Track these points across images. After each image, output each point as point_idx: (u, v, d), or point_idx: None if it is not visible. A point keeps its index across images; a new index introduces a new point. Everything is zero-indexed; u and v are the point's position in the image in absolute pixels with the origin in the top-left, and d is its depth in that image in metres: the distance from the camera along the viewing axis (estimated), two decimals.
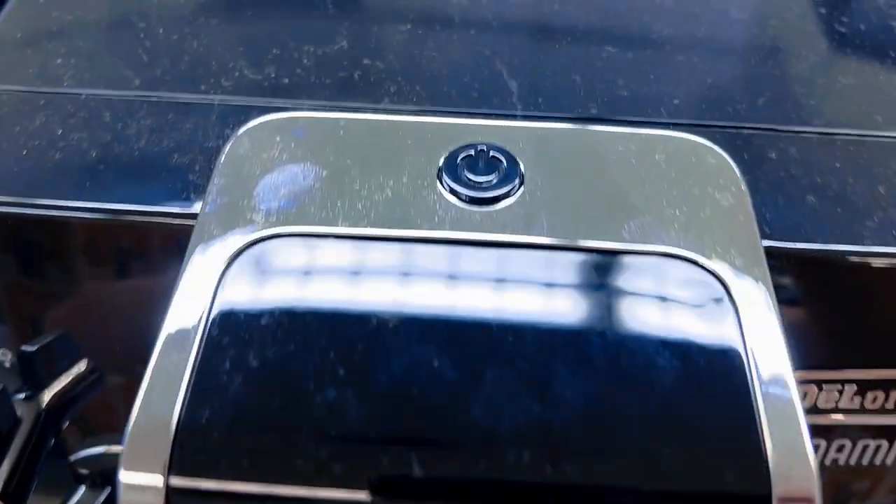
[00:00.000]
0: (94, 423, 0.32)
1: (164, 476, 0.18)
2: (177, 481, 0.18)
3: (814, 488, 0.19)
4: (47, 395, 0.27)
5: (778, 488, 0.18)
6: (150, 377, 0.19)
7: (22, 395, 0.27)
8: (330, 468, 0.18)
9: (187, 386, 0.19)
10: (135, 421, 0.19)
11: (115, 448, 0.32)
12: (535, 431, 0.18)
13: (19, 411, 0.27)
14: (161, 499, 0.18)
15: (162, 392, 0.19)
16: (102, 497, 0.32)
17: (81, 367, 0.28)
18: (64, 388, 0.28)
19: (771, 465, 0.18)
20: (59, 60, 0.28)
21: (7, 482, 0.26)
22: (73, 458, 0.32)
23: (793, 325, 0.24)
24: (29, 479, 0.26)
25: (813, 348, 0.24)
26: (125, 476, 0.19)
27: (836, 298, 0.24)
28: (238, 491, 0.18)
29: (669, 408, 0.19)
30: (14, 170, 0.25)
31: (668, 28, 0.29)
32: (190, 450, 0.18)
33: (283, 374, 0.19)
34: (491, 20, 0.29)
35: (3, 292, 0.28)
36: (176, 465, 0.18)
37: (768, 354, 0.20)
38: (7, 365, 0.28)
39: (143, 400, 0.19)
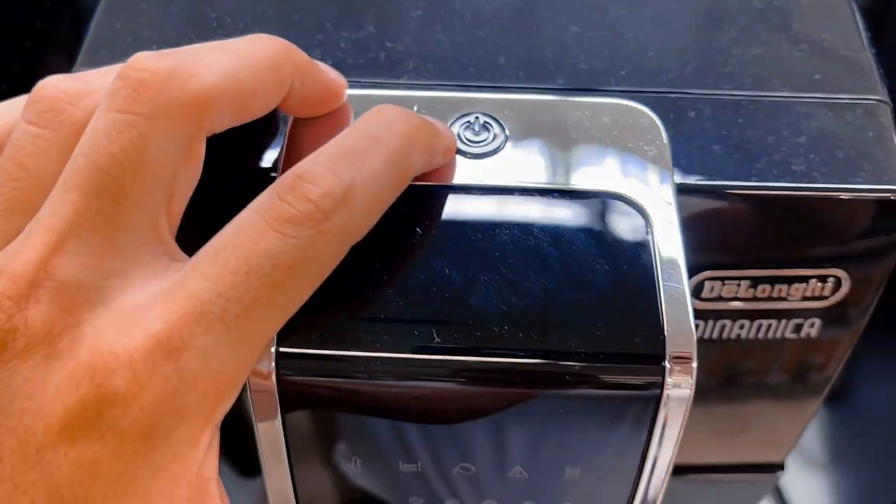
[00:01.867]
0: None
1: (273, 344, 0.28)
2: (283, 348, 0.28)
3: (693, 351, 0.28)
4: None
5: (670, 350, 0.28)
6: None
7: None
8: (384, 338, 0.28)
9: None
10: None
11: None
12: (505, 312, 0.28)
13: None
14: (272, 361, 0.28)
15: None
16: None
17: None
18: None
19: (666, 333, 0.28)
20: None
21: None
22: None
23: (700, 239, 0.34)
24: None
25: (715, 255, 0.34)
26: None
27: (732, 219, 0.33)
28: (324, 354, 0.28)
29: (598, 294, 0.29)
30: None
31: (623, 10, 0.38)
32: (289, 328, 0.28)
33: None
34: (483, 6, 0.37)
35: None
36: (280, 338, 0.28)
37: (671, 258, 0.29)
38: None
39: None
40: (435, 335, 0.28)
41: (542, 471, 0.31)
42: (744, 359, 0.38)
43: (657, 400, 0.29)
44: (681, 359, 0.28)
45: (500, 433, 0.30)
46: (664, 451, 0.30)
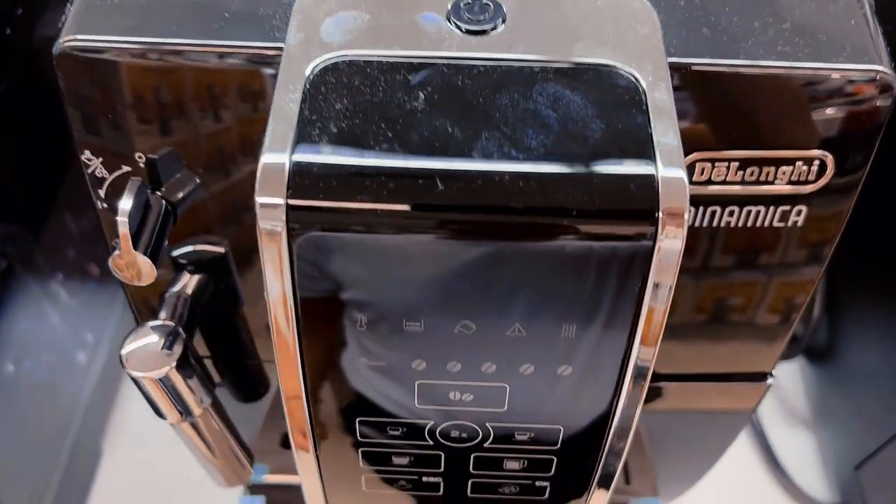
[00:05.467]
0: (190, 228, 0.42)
1: (284, 198, 0.29)
2: (293, 201, 0.29)
3: (685, 205, 0.29)
4: (166, 191, 0.38)
5: (663, 203, 0.29)
6: (270, 135, 0.30)
7: (149, 190, 0.38)
8: (390, 186, 0.29)
9: (294, 139, 0.30)
10: (263, 164, 0.29)
11: (204, 247, 0.43)
12: (505, 165, 0.29)
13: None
14: (283, 213, 0.29)
15: (279, 142, 0.30)
16: (197, 279, 0.44)
17: (186, 175, 0.39)
18: (175, 187, 0.39)
19: (659, 187, 0.29)
20: None
21: (147, 246, 0.36)
22: (174, 252, 0.43)
23: (691, 118, 0.35)
24: (159, 247, 0.37)
25: (706, 135, 0.35)
26: (260, 199, 0.29)
27: (720, 98, 0.35)
28: (327, 207, 0.29)
29: (595, 150, 0.30)
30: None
31: None
32: (300, 180, 0.29)
33: (356, 135, 0.30)
34: None
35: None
36: (292, 189, 0.29)
37: (664, 125, 0.31)
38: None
39: (267, 147, 0.30)
40: (438, 184, 0.29)
41: (540, 329, 0.32)
42: (734, 252, 0.40)
43: (650, 251, 0.30)
44: (673, 213, 0.29)
45: (499, 288, 0.31)
46: (658, 305, 0.31)
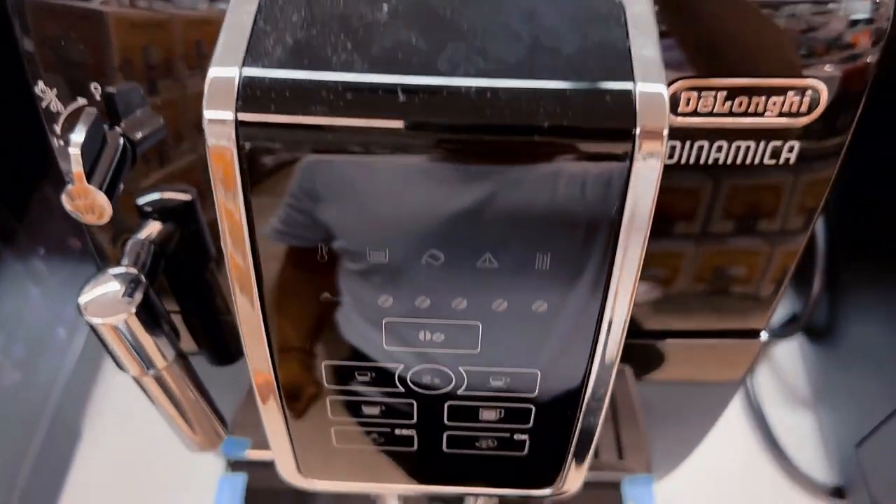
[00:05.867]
0: (155, 179, 0.40)
1: (234, 112, 0.27)
2: (243, 116, 0.27)
3: (664, 123, 0.27)
4: (125, 126, 0.36)
5: (642, 121, 0.27)
6: (220, 47, 0.28)
7: (107, 125, 0.36)
8: (347, 100, 0.27)
9: (245, 51, 0.28)
10: (211, 78, 0.28)
11: (170, 193, 0.41)
12: (473, 78, 0.27)
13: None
14: (232, 129, 0.27)
15: (230, 54, 0.28)
16: (163, 228, 0.42)
17: (148, 113, 0.37)
18: (135, 124, 0.37)
19: (637, 103, 0.27)
20: None
21: (103, 182, 0.34)
22: (140, 201, 0.41)
23: (675, 41, 0.33)
24: (115, 183, 0.35)
25: (692, 63, 0.33)
26: (208, 114, 0.28)
27: (706, 20, 0.33)
28: (279, 122, 0.27)
29: (570, 64, 0.28)
30: None
31: None
32: (251, 93, 0.27)
33: (313, 47, 0.28)
34: None
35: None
36: (242, 103, 0.27)
37: (643, 39, 0.29)
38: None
39: (216, 60, 0.28)
40: (400, 98, 0.27)
41: (512, 260, 0.30)
42: (723, 196, 0.38)
43: (627, 173, 0.28)
44: (652, 131, 0.27)
45: (468, 214, 0.29)
46: (636, 235, 0.29)
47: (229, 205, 0.28)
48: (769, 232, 0.39)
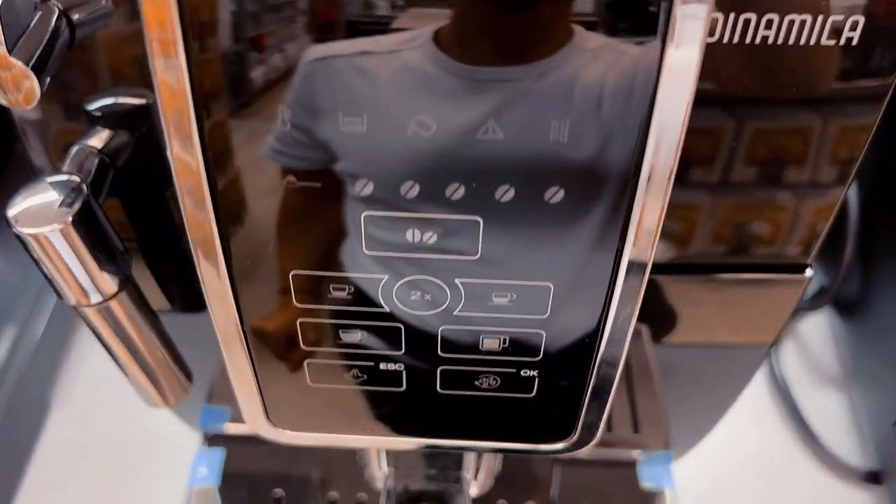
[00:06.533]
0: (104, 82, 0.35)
1: None
2: None
3: None
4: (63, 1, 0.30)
5: None
6: None
7: None
8: None
9: None
10: None
11: (122, 98, 0.36)
12: None
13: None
14: None
15: None
16: (111, 134, 0.36)
17: None
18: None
19: None
20: None
21: (31, 56, 0.29)
22: (88, 106, 0.35)
23: None
24: (46, 61, 0.29)
25: None
26: None
27: None
28: None
29: None
30: None
31: None
32: None
33: None
34: None
35: None
36: None
37: None
38: None
39: None
40: None
41: (522, 129, 0.24)
42: (773, 84, 0.31)
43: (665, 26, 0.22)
44: None
45: (465, 70, 0.23)
46: (675, 106, 0.23)
47: (169, 77, 0.23)
48: (824, 133, 0.33)
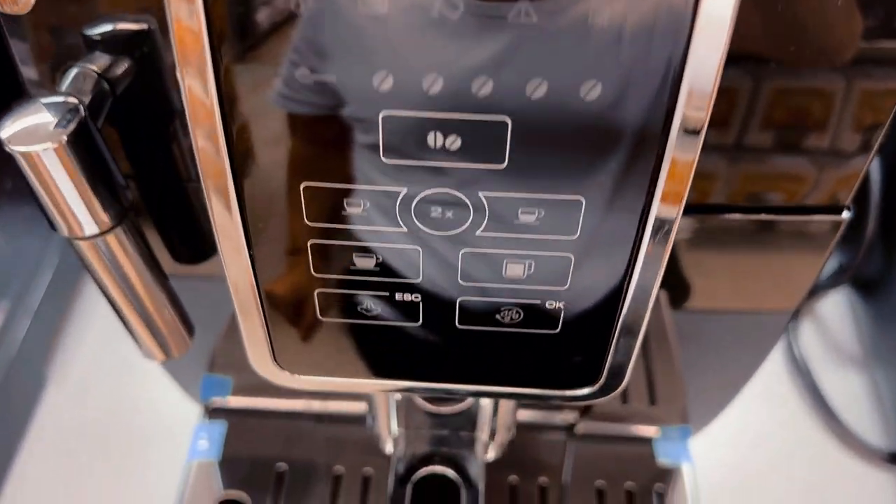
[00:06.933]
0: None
1: None
2: None
3: None
4: None
5: None
6: None
7: None
8: None
9: None
10: None
11: (122, 24, 0.34)
12: None
13: None
14: None
15: None
16: (112, 58, 0.34)
17: None
18: None
19: None
20: None
21: None
22: (86, 30, 0.33)
23: None
24: None
25: None
26: None
27: None
28: None
29: None
30: None
31: None
32: None
33: None
34: None
35: None
36: None
37: None
38: None
39: None
40: None
41: (560, 8, 0.22)
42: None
43: None
44: None
45: None
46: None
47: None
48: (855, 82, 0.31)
